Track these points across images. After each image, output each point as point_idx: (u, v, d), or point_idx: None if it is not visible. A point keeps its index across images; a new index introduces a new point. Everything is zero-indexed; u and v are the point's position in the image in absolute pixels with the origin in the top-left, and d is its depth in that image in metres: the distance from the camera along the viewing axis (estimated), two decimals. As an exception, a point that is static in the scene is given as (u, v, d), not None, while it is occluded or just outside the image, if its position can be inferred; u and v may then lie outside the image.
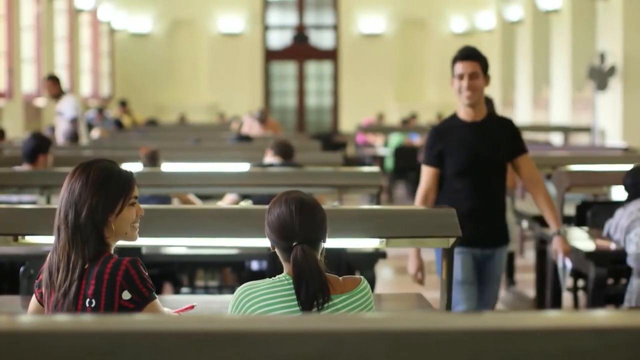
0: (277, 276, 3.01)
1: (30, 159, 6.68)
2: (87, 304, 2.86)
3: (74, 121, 11.30)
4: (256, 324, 1.33)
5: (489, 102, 5.96)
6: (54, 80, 11.75)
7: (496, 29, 21.42)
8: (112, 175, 2.94)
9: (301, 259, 2.91)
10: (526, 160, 5.11)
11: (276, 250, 3.03)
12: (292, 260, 2.93)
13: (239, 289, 3.00)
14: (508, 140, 5.06)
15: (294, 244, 2.93)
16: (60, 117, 11.51)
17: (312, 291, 2.90)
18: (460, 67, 4.92)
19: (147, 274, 2.91)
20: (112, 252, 2.95)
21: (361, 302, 3.01)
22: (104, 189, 2.91)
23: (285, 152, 6.96)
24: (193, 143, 10.39)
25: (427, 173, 5.03)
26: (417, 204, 5.00)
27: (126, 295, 2.85)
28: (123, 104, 18.42)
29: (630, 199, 5.51)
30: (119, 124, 15.74)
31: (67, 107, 11.44)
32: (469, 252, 4.95)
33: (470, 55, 4.94)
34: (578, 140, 14.79)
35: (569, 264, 5.52)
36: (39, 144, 6.74)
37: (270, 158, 6.98)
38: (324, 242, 3.02)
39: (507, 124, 5.14)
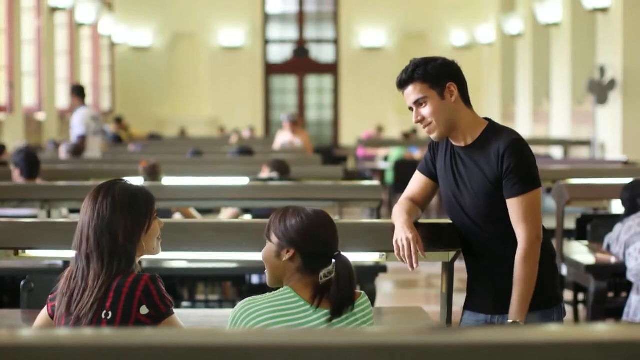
0: (279, 290, 3.00)
1: (31, 175, 6.63)
2: (104, 316, 2.88)
3: (83, 137, 11.08)
4: (256, 338, 1.33)
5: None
6: (74, 92, 11.62)
7: (496, 43, 21.44)
8: (137, 194, 2.98)
9: (347, 263, 3.02)
10: (513, 206, 3.40)
11: (298, 257, 2.99)
12: (339, 264, 3.00)
13: (239, 305, 2.97)
14: (495, 172, 3.42)
15: (336, 253, 3.03)
16: (72, 132, 11.44)
17: (347, 295, 2.98)
18: (405, 98, 3.63)
19: (165, 290, 2.93)
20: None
21: (360, 315, 3.01)
22: (134, 208, 2.95)
23: (282, 168, 7.02)
24: (191, 156, 10.38)
25: (414, 179, 3.75)
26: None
27: (144, 310, 2.88)
28: (118, 120, 18.18)
29: (627, 213, 5.51)
30: (117, 139, 15.68)
31: (76, 122, 11.25)
32: (472, 317, 3.57)
33: (403, 79, 3.58)
34: (578, 153, 14.79)
35: None
36: (36, 160, 6.70)
37: (266, 174, 7.03)
38: None
39: (497, 145, 3.42)
